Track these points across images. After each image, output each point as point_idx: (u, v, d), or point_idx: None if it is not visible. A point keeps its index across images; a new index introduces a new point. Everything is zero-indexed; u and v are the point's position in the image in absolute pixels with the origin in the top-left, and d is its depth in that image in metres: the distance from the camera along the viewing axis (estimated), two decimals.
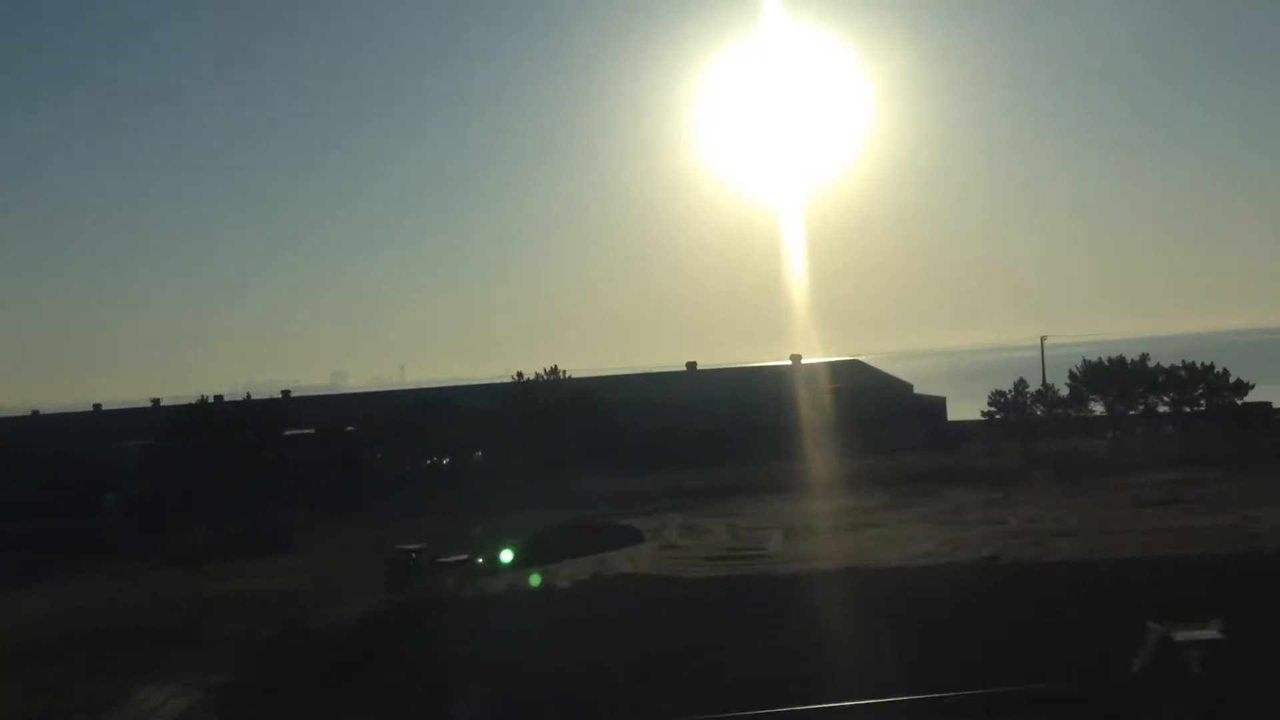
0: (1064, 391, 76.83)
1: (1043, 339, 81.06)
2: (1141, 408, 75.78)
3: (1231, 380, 74.20)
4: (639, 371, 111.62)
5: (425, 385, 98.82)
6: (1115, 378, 75.44)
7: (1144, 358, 76.14)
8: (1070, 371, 77.01)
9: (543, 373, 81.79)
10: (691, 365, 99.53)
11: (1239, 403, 74.29)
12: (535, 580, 34.55)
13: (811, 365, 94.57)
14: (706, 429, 76.56)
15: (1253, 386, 74.18)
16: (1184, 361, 75.22)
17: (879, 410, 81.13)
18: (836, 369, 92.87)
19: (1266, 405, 79.04)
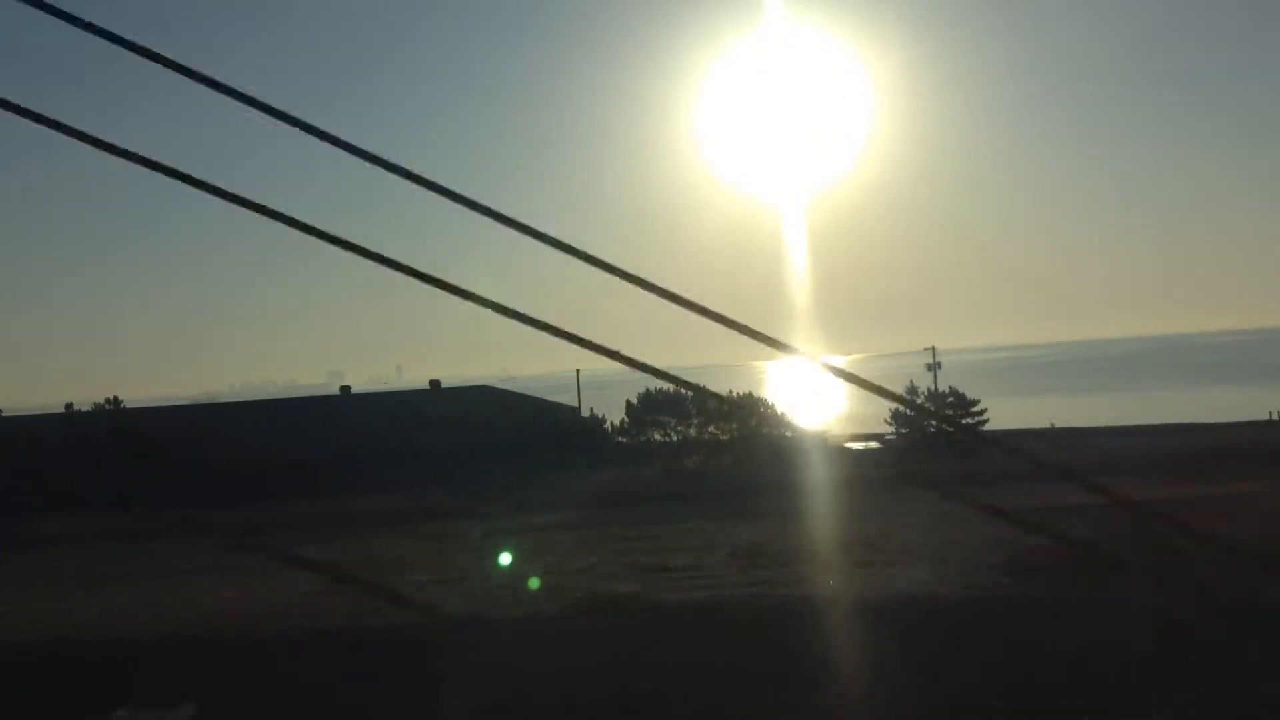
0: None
1: (578, 371, 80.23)
2: (699, 436, 75.41)
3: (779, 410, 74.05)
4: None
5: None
6: (667, 407, 75.02)
7: (701, 387, 75.53)
8: (628, 401, 76.44)
9: (104, 402, 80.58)
10: (345, 389, 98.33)
11: (786, 434, 73.97)
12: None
13: (449, 390, 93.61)
14: (264, 462, 74.91)
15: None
16: (731, 391, 74.91)
17: (495, 435, 79.75)
18: (464, 394, 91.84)
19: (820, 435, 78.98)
